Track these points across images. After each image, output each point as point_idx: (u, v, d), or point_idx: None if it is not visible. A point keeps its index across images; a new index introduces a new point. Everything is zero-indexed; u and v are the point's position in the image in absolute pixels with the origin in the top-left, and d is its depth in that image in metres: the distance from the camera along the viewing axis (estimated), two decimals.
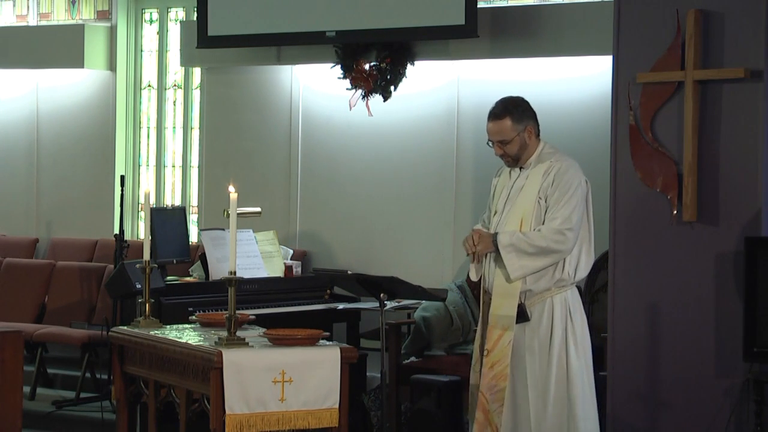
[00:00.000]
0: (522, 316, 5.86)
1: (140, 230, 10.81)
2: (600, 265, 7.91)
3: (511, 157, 5.98)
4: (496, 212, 6.05)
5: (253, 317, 6.28)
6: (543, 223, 5.86)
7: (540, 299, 5.90)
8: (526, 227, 5.86)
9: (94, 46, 10.67)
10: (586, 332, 5.99)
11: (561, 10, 8.63)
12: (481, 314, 6.07)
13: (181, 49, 10.22)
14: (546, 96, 8.75)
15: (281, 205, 9.87)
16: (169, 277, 7.94)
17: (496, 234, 5.88)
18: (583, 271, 5.98)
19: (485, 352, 5.92)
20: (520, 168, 6.02)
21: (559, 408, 5.85)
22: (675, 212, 6.63)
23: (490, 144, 6.01)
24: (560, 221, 5.83)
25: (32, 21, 11.15)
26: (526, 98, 5.93)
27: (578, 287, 7.96)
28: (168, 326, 6.27)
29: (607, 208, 6.94)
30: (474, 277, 6.07)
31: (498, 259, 5.89)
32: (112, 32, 10.77)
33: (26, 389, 8.75)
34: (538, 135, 6.02)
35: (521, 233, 5.84)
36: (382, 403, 6.58)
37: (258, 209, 7.82)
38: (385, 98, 9.25)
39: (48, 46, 10.77)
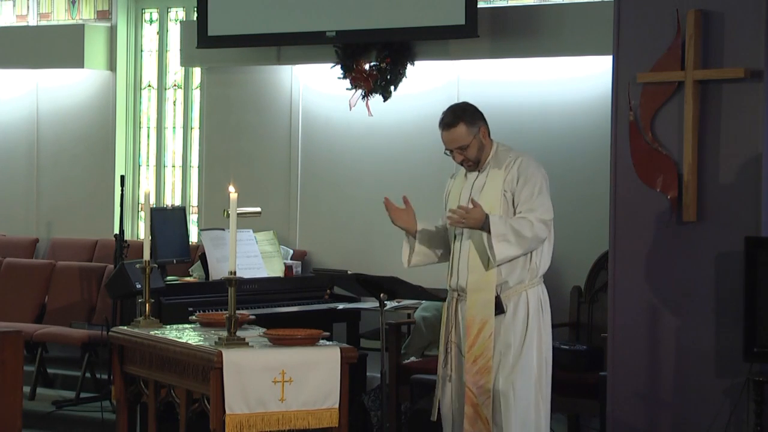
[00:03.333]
0: (498, 307, 5.93)
1: (140, 230, 10.81)
2: (600, 265, 7.92)
3: (472, 161, 6.05)
4: None
5: (253, 317, 6.27)
6: (516, 214, 5.92)
7: (515, 292, 5.96)
8: None
9: (94, 46, 10.67)
10: (550, 329, 6.09)
11: (561, 10, 8.63)
12: (446, 310, 6.11)
13: (181, 49, 10.23)
14: (546, 96, 8.76)
15: (281, 205, 9.86)
16: (169, 277, 7.94)
17: (488, 215, 5.88)
18: (547, 263, 6.05)
19: (464, 348, 5.96)
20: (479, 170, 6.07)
21: (525, 400, 5.92)
22: (675, 212, 6.63)
23: (448, 153, 6.07)
24: (542, 211, 5.91)
25: (32, 21, 11.15)
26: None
27: (578, 287, 8.03)
28: (168, 326, 6.27)
29: (607, 208, 6.94)
30: (405, 261, 6.16)
31: (471, 253, 5.95)
32: (112, 32, 10.77)
33: (26, 389, 8.75)
34: (489, 134, 6.06)
35: (509, 220, 5.88)
36: (382, 403, 6.58)
37: (258, 209, 7.81)
38: (385, 98, 9.25)
39: (48, 46, 10.77)
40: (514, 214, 5.94)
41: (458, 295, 6.06)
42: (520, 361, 5.92)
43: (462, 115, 6.04)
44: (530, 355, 5.94)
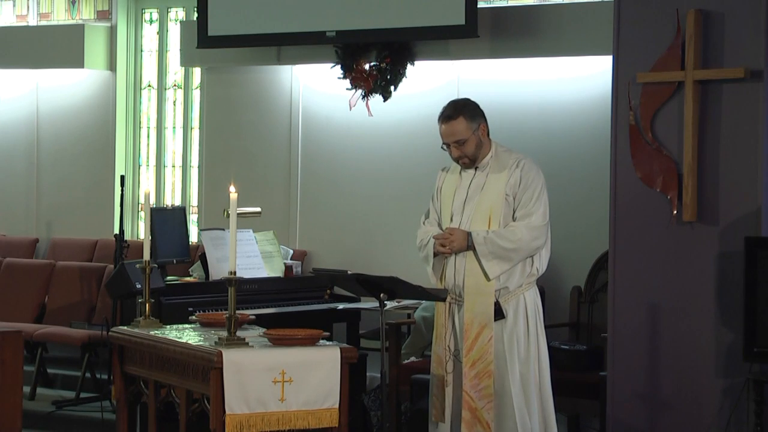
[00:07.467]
0: (498, 313, 5.93)
1: (140, 230, 10.81)
2: (600, 265, 7.92)
3: (469, 157, 6.03)
4: (452, 214, 6.05)
5: (253, 317, 6.27)
6: (514, 220, 5.93)
7: (514, 296, 5.97)
8: (494, 225, 5.92)
9: (94, 46, 10.67)
10: (544, 329, 6.11)
11: (561, 10, 8.63)
12: (442, 315, 6.08)
13: (181, 49, 10.23)
14: (546, 96, 8.76)
15: (281, 205, 9.86)
16: (169, 277, 7.94)
17: (470, 233, 5.91)
18: (545, 266, 6.06)
19: (462, 352, 5.95)
20: (475, 168, 6.05)
21: (539, 401, 5.95)
22: (675, 212, 6.63)
23: (445, 147, 6.06)
24: (536, 217, 5.92)
25: (32, 21, 11.16)
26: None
27: (578, 287, 8.03)
28: (168, 326, 6.27)
29: (607, 208, 6.94)
30: (434, 280, 6.10)
31: (467, 258, 5.94)
32: (112, 32, 10.77)
33: (26, 389, 8.75)
34: (489, 134, 6.06)
35: (495, 234, 5.89)
36: (382, 403, 6.58)
37: (258, 209, 7.82)
38: (385, 98, 9.25)
39: (48, 46, 10.77)
40: (513, 215, 5.95)
41: (452, 299, 6.05)
42: (527, 364, 5.93)
43: (462, 110, 6.03)
44: (536, 357, 5.96)
